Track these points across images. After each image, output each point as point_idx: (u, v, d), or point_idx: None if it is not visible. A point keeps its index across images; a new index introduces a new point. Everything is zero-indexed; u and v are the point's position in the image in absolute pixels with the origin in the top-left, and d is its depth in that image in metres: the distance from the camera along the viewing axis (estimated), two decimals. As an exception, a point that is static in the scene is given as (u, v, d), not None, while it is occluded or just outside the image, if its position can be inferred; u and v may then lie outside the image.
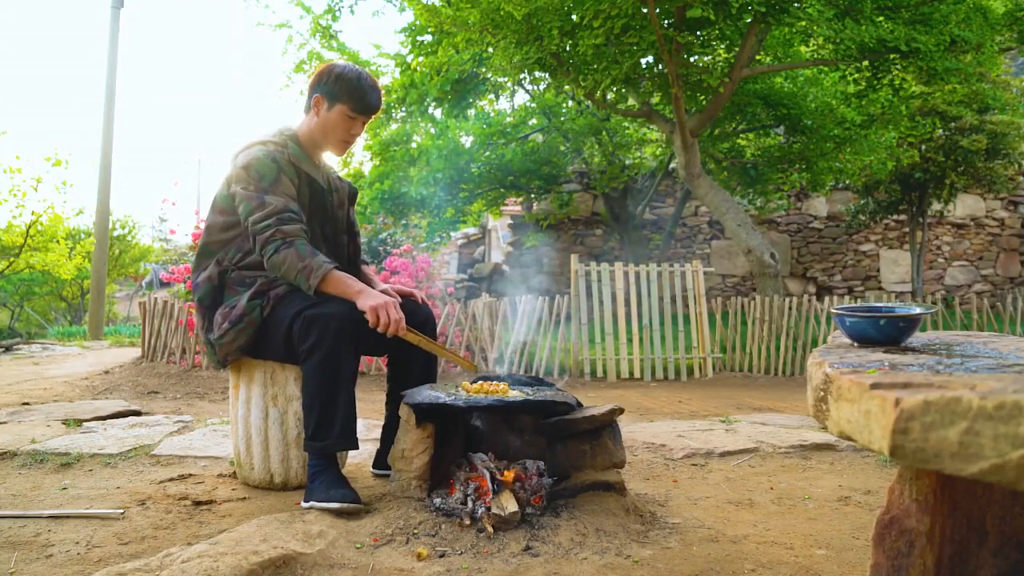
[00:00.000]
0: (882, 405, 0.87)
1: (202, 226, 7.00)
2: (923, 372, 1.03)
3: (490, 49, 7.08)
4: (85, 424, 3.28)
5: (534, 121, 9.94)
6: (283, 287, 2.13)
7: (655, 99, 7.83)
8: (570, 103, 9.87)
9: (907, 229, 10.43)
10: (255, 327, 2.12)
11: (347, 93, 2.18)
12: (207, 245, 2.23)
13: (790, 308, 7.00)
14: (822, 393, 1.11)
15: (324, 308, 2.00)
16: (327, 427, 1.99)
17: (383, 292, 2.37)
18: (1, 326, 13.19)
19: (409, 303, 2.35)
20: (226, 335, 2.12)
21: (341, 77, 2.18)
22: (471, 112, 9.80)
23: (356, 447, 2.05)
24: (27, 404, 4.06)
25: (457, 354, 2.27)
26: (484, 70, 8.43)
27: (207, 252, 2.23)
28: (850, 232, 11.08)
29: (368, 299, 1.99)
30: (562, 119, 9.47)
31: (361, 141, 9.27)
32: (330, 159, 2.44)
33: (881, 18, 6.24)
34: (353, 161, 10.60)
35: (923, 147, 8.88)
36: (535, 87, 9.94)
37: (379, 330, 1.99)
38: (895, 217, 10.67)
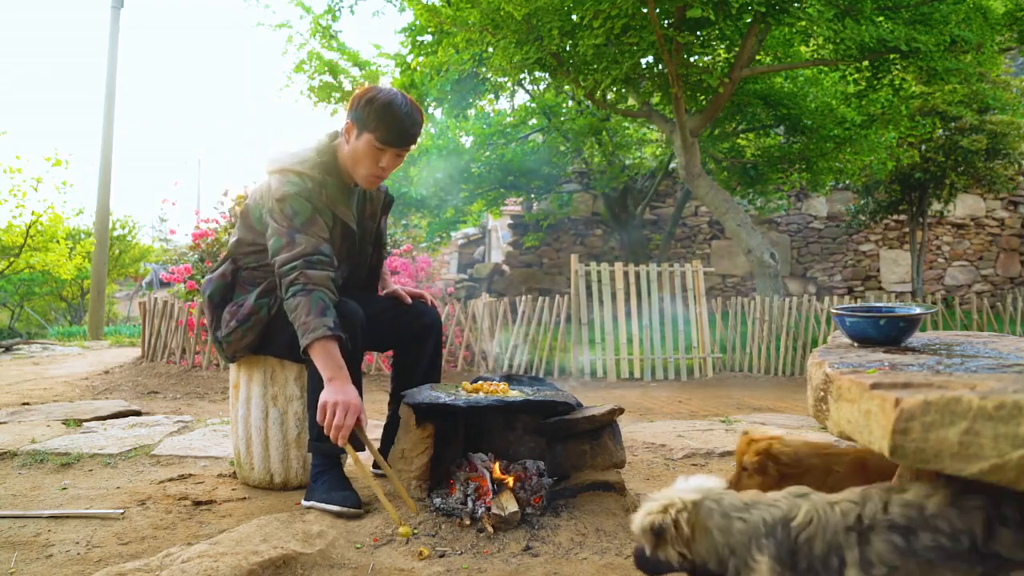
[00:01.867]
0: (882, 405, 0.87)
1: (203, 226, 6.97)
2: (923, 372, 1.03)
3: (490, 49, 7.08)
4: (85, 424, 3.28)
5: (534, 121, 9.94)
6: None
7: (655, 99, 7.83)
8: (570, 103, 9.87)
9: (907, 229, 10.43)
10: (262, 325, 2.12)
11: (375, 121, 1.98)
12: (232, 254, 2.21)
13: (790, 308, 7.00)
14: (822, 393, 1.11)
15: (335, 309, 1.99)
16: None
17: (393, 293, 2.36)
18: (1, 326, 13.19)
19: (418, 304, 2.35)
20: (234, 333, 2.13)
21: (372, 102, 1.99)
22: (471, 112, 9.80)
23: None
24: (27, 404, 4.06)
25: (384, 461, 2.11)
26: (484, 70, 8.43)
27: (230, 258, 2.22)
28: (850, 232, 11.08)
29: (330, 393, 1.86)
30: (562, 119, 9.47)
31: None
32: None
33: (881, 18, 6.24)
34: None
35: (923, 147, 8.88)
36: (535, 87, 9.94)
37: (322, 427, 1.87)
38: (895, 217, 10.67)
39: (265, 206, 2.05)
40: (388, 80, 9.49)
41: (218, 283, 2.18)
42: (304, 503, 1.95)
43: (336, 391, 1.85)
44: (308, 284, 1.92)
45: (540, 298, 6.72)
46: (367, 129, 2.00)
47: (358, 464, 1.91)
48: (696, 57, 7.28)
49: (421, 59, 8.71)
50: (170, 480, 2.35)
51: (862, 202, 10.03)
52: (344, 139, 2.08)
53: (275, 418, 2.24)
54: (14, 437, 2.88)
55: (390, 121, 1.99)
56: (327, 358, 1.88)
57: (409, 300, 2.34)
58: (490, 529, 1.78)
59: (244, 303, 2.13)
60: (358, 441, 1.94)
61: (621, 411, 2.05)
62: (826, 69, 7.70)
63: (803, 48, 7.83)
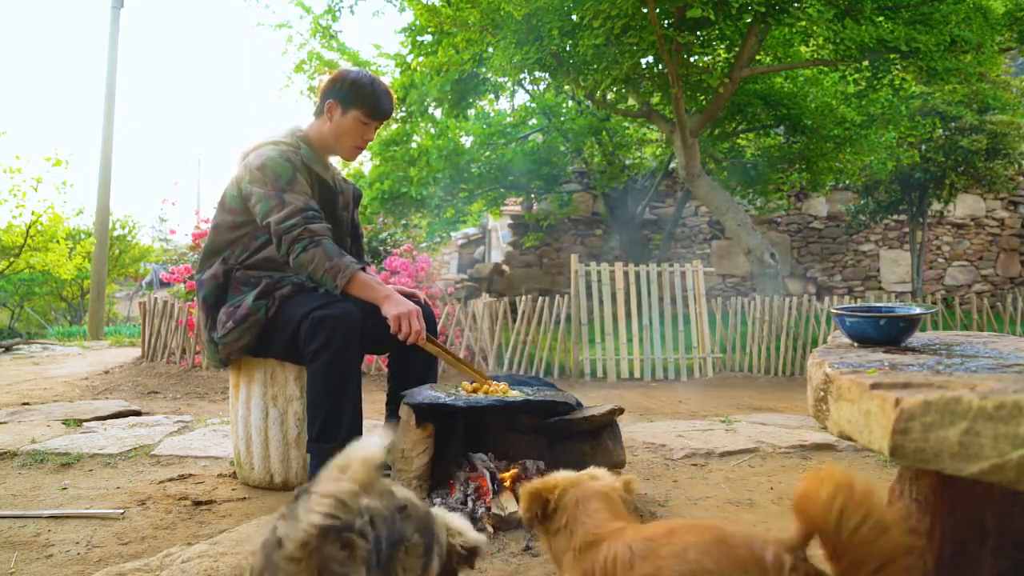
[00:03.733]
0: (882, 405, 0.87)
1: (203, 226, 6.95)
2: (923, 372, 1.03)
3: (490, 49, 7.08)
4: (85, 424, 3.28)
5: (534, 121, 9.93)
6: (289, 287, 2.13)
7: (655, 99, 7.82)
8: (570, 103, 9.87)
9: (907, 229, 10.43)
10: (260, 327, 2.12)
11: (361, 99, 2.21)
12: (213, 244, 2.23)
13: (790, 308, 7.00)
14: (822, 393, 1.11)
15: (332, 310, 1.99)
16: (333, 429, 1.99)
17: None
18: (1, 326, 13.18)
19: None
20: (230, 334, 2.12)
21: (356, 83, 2.22)
22: (471, 112, 9.79)
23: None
24: (27, 404, 4.06)
25: (473, 367, 2.27)
26: (484, 70, 8.42)
27: (213, 251, 2.23)
28: (850, 232, 11.08)
29: (393, 306, 2.01)
30: (562, 119, 9.46)
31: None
32: (336, 162, 2.44)
33: (881, 18, 6.23)
34: (353, 161, 10.60)
35: (923, 147, 8.88)
36: (535, 87, 9.93)
37: (400, 338, 2.01)
38: (895, 217, 10.67)
39: (244, 180, 2.14)
40: (388, 80, 9.49)
41: (211, 284, 2.19)
42: (304, 504, 1.95)
43: (397, 303, 2.02)
44: (315, 236, 2.04)
45: (540, 298, 6.72)
46: (354, 106, 2.21)
47: (442, 355, 2.17)
48: (696, 57, 7.27)
49: (421, 59, 8.70)
50: (170, 480, 2.35)
51: (862, 202, 10.02)
52: (325, 118, 2.25)
53: (275, 418, 2.24)
54: (14, 437, 2.88)
55: (375, 99, 2.23)
56: (370, 285, 2.06)
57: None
58: (490, 529, 1.78)
59: (241, 304, 2.13)
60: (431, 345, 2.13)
61: (621, 411, 2.05)
62: (826, 69, 7.69)
63: (803, 48, 7.83)
